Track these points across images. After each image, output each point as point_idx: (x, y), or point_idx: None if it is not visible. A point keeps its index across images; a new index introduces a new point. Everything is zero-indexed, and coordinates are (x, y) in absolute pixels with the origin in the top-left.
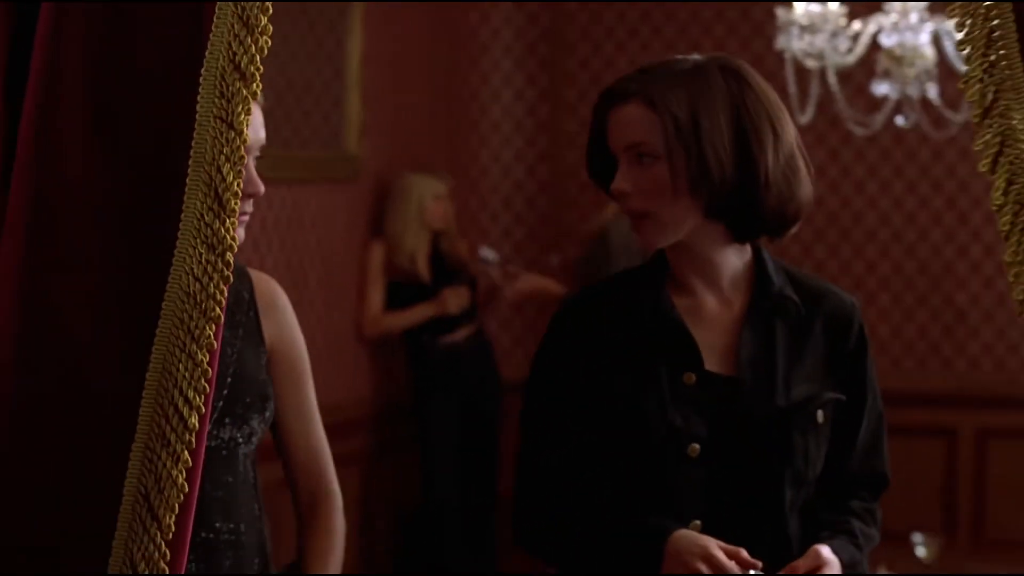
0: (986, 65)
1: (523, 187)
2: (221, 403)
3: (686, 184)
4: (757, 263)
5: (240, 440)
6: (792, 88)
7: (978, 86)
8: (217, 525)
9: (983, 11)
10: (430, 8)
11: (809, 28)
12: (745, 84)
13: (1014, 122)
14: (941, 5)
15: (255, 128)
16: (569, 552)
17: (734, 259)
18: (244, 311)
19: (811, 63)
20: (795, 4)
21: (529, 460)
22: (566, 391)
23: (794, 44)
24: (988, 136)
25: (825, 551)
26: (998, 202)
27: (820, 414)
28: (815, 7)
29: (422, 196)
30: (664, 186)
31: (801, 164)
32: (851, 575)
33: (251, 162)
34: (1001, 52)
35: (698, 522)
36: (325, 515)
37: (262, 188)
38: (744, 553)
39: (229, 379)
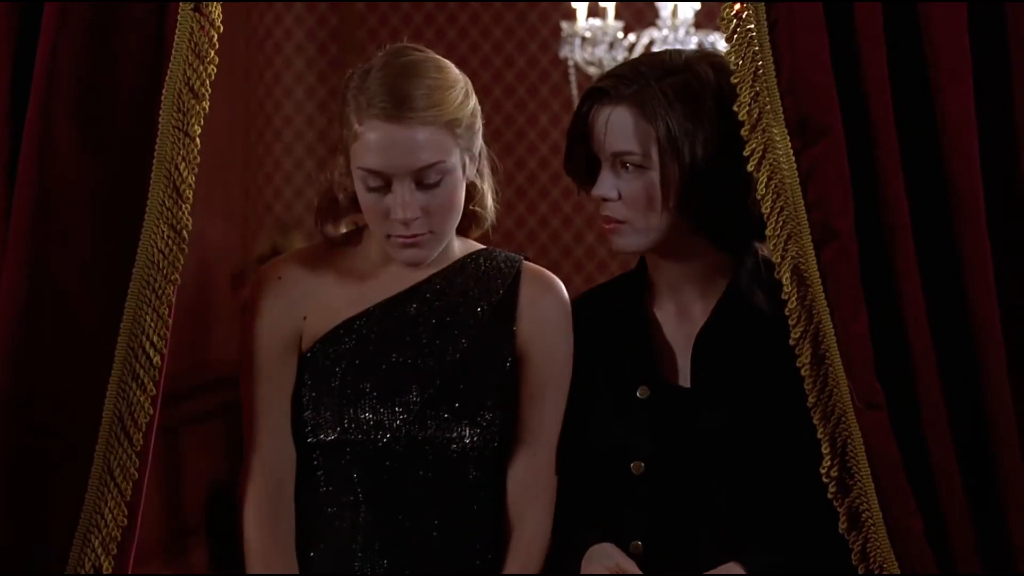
0: (752, 93)
1: (315, 180)
2: None
3: (676, 197)
4: (735, 272)
5: None
6: (575, 92)
7: (747, 107)
8: None
9: (751, 54)
10: (227, 8)
11: (590, 40)
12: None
13: (773, 133)
14: (706, 21)
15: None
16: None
17: (715, 268)
18: None
19: (592, 70)
20: (578, 17)
21: None
22: None
23: (576, 54)
24: (754, 144)
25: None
26: (761, 192)
27: (774, 429)
28: (596, 21)
29: None
30: (651, 197)
31: None
32: None
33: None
34: (763, 84)
35: (638, 543)
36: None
37: None
38: None
39: None
